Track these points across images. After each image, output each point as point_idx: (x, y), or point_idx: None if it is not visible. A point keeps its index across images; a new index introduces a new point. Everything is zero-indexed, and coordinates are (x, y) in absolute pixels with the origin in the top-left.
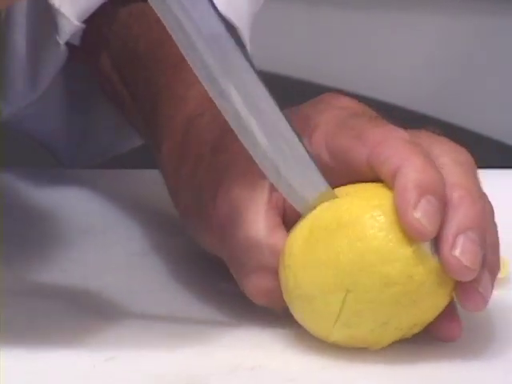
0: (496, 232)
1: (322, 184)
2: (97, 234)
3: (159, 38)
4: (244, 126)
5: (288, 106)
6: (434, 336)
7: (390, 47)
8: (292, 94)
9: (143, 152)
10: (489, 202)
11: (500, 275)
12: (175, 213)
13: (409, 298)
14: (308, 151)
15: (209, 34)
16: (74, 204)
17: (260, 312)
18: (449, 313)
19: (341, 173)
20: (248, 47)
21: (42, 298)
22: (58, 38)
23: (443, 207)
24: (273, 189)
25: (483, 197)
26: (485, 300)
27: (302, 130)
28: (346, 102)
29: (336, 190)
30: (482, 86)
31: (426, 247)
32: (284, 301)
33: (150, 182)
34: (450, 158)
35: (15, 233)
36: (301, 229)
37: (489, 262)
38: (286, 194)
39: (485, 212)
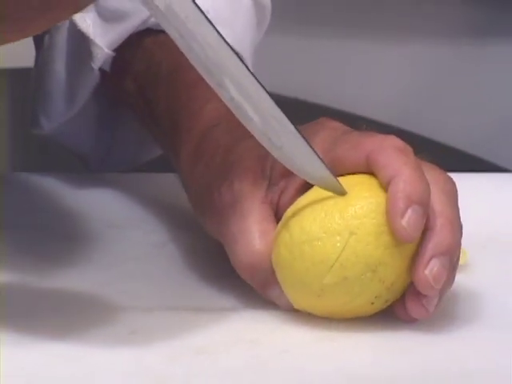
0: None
1: (307, 148)
2: (120, 228)
3: (179, 62)
4: (238, 107)
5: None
6: (402, 318)
7: (369, 71)
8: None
9: (160, 159)
10: (461, 228)
11: (461, 263)
12: (188, 210)
13: (397, 251)
14: (293, 124)
15: (206, 41)
16: (100, 203)
17: (259, 296)
18: (415, 293)
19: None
20: (251, 69)
21: (71, 282)
22: (92, 64)
23: (426, 214)
24: (269, 188)
25: (460, 224)
26: (427, 311)
27: None
28: (337, 124)
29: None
30: (445, 103)
31: None
32: (267, 281)
33: (167, 185)
34: (437, 187)
35: (51, 227)
36: (307, 194)
37: (449, 280)
38: (279, 158)
39: (459, 239)
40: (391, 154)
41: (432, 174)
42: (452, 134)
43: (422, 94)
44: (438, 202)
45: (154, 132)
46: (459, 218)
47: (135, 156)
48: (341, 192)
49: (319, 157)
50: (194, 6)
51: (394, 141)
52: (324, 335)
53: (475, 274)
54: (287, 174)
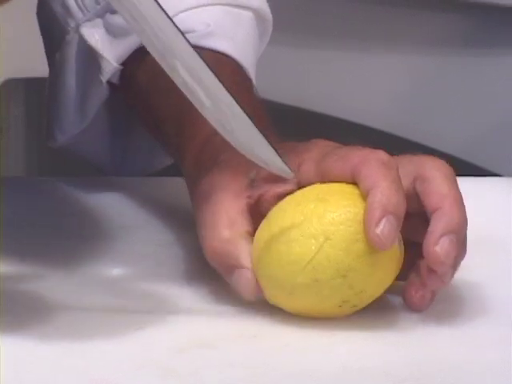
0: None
1: (256, 132)
2: (129, 229)
3: None
4: (192, 91)
5: (285, 127)
6: (407, 304)
7: (365, 80)
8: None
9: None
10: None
11: None
12: (193, 212)
13: (369, 259)
14: (242, 108)
15: (156, 25)
16: (111, 205)
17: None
18: (419, 283)
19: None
20: (254, 81)
21: (83, 279)
22: (101, 77)
23: (400, 225)
24: (249, 187)
25: (464, 204)
26: (444, 282)
27: (291, 161)
28: (329, 142)
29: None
30: (436, 110)
31: None
32: (231, 267)
33: (173, 188)
34: (440, 172)
35: (65, 228)
36: (290, 197)
37: (460, 255)
38: (231, 142)
39: (466, 216)
40: (373, 166)
41: (434, 161)
42: (443, 140)
43: (415, 102)
44: (444, 184)
45: (161, 140)
46: (462, 198)
47: (148, 164)
48: (288, 174)
49: (268, 140)
50: None
51: (379, 155)
52: (324, 330)
53: (466, 273)
54: (271, 180)
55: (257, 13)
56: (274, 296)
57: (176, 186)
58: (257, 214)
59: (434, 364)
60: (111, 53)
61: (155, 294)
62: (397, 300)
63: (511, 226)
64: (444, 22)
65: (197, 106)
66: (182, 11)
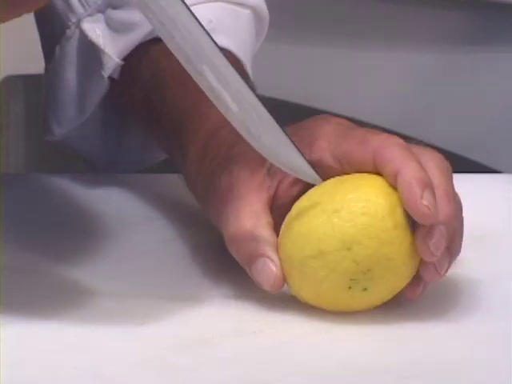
0: (462, 223)
1: (285, 137)
2: (130, 225)
3: (183, 68)
4: (217, 96)
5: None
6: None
7: (367, 77)
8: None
9: (167, 161)
10: (459, 200)
11: None
12: (193, 209)
13: (374, 233)
14: (269, 113)
15: (186, 29)
16: (112, 202)
17: (261, 289)
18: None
19: (344, 172)
20: (251, 76)
21: (84, 275)
22: (102, 72)
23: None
24: (267, 177)
25: (456, 197)
26: (439, 274)
27: (301, 141)
28: (340, 119)
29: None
30: (437, 107)
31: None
32: (252, 256)
33: (174, 185)
34: (434, 163)
35: (65, 224)
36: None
37: (452, 247)
38: (256, 148)
39: (456, 209)
40: (396, 149)
41: (428, 153)
42: (443, 137)
43: (416, 99)
44: (435, 176)
45: (158, 135)
46: (455, 191)
47: (141, 159)
48: (316, 181)
49: (296, 146)
50: None
51: (397, 139)
52: (324, 326)
53: (465, 269)
54: None
55: (254, 10)
56: (288, 275)
57: (176, 183)
58: (276, 201)
59: (434, 361)
60: (113, 48)
61: (156, 290)
62: (397, 298)
63: (511, 223)
64: (445, 20)
65: (222, 110)
66: None
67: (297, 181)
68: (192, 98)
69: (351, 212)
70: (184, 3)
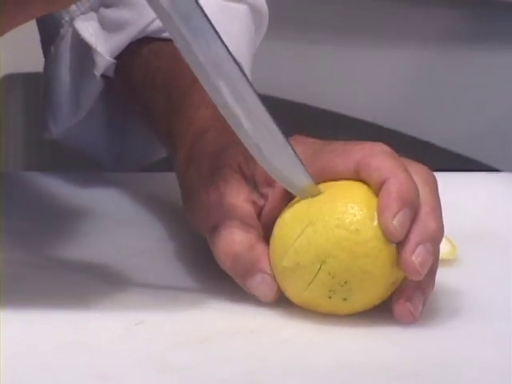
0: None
1: (295, 159)
2: (127, 224)
3: (174, 69)
4: (231, 113)
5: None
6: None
7: (365, 75)
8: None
9: (165, 159)
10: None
11: (450, 257)
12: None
13: (348, 247)
14: (285, 135)
15: (205, 42)
16: (108, 201)
17: None
18: (401, 298)
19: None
20: (249, 76)
21: (81, 274)
22: (94, 71)
23: (414, 215)
24: (253, 191)
25: (441, 212)
26: (413, 316)
27: None
28: (312, 139)
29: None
30: (436, 106)
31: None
32: (247, 271)
33: (170, 184)
34: (420, 178)
35: (63, 223)
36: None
37: (423, 284)
38: (268, 170)
39: (442, 227)
40: (383, 158)
41: (414, 166)
42: (442, 135)
43: (415, 97)
44: (421, 191)
45: (154, 134)
46: (441, 206)
47: (146, 155)
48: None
49: (306, 168)
50: (196, 6)
51: (383, 147)
52: (323, 326)
53: (465, 268)
54: (270, 180)
55: (252, 6)
56: (279, 283)
57: (174, 182)
58: (268, 214)
59: (433, 360)
60: (105, 47)
61: (153, 289)
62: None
63: (511, 221)
64: (444, 18)
65: (234, 128)
66: None
67: (283, 196)
68: (180, 101)
69: (325, 225)
70: (206, 16)
